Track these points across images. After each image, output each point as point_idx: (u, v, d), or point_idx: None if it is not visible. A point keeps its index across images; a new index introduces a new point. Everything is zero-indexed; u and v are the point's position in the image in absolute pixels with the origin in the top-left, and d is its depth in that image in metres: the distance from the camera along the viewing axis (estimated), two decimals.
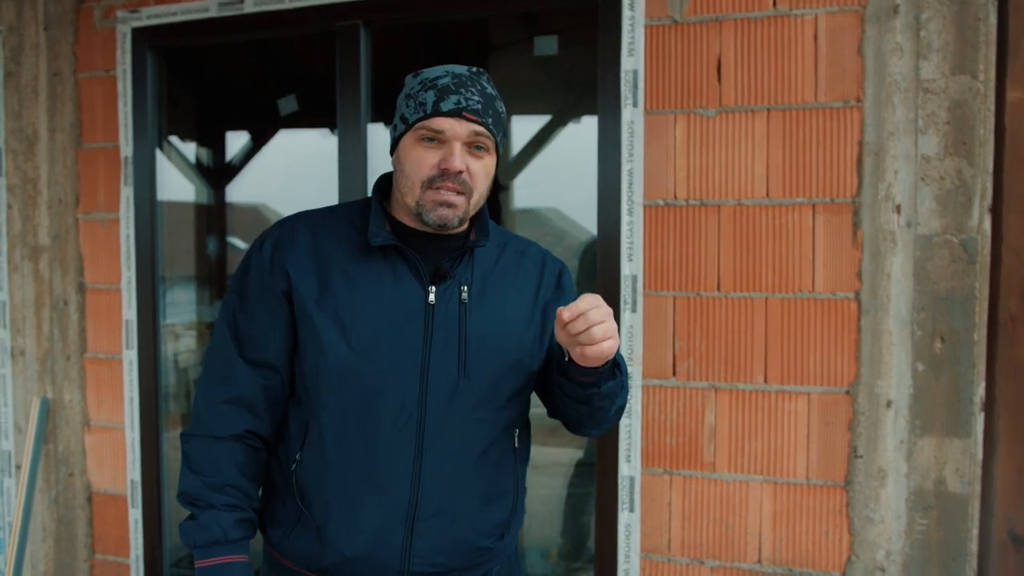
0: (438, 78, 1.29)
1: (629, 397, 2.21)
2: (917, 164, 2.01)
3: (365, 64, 2.51)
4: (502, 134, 1.35)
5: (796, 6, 2.10)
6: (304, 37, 2.75)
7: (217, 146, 5.23)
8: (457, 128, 1.26)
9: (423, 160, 1.28)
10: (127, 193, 2.76)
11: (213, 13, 2.63)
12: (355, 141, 2.51)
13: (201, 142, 5.13)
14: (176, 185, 4.61)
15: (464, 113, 1.26)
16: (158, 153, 2.83)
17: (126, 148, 2.75)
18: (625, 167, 2.23)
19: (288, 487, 1.36)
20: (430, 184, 1.27)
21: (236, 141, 5.27)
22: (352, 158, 2.53)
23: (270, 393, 1.36)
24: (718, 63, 2.16)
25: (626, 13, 2.21)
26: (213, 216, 5.18)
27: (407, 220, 1.35)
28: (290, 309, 1.34)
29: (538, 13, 2.98)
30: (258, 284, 1.35)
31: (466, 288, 1.34)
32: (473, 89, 1.28)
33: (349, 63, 2.50)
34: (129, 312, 2.79)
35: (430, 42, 3.88)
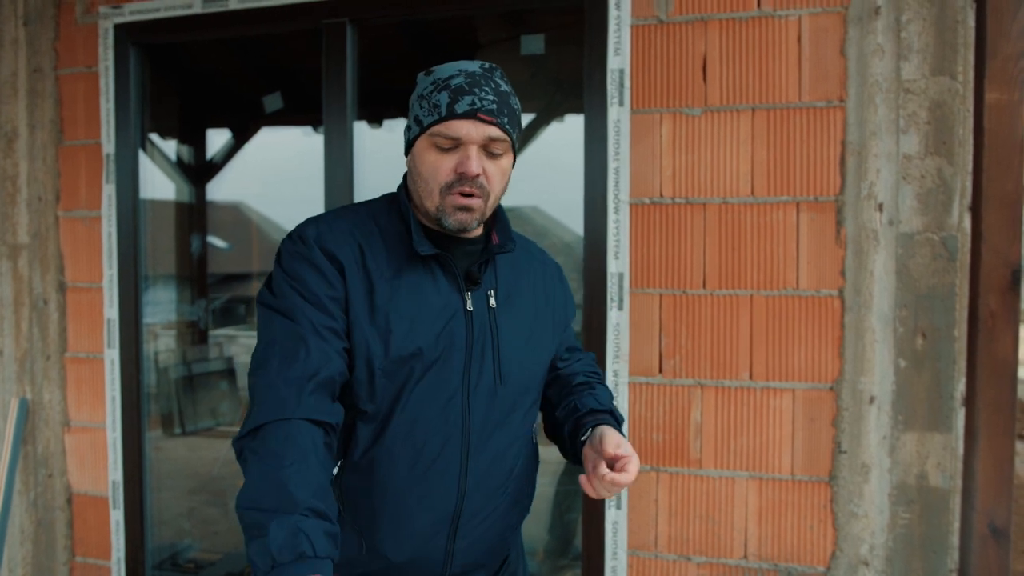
0: (451, 78, 1.25)
1: (616, 395, 2.23)
2: (899, 163, 2.04)
3: (351, 62, 2.50)
4: (518, 131, 1.32)
5: (780, 7, 2.12)
6: (289, 34, 2.73)
7: (198, 144, 5.19)
8: (472, 131, 1.24)
9: (440, 165, 1.26)
10: (109, 190, 2.73)
11: (197, 9, 2.61)
12: (341, 139, 2.51)
13: (182, 139, 5.09)
14: (156, 183, 4.57)
15: (479, 115, 1.23)
16: (139, 150, 2.80)
17: (108, 145, 2.73)
18: (611, 165, 2.24)
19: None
20: (448, 189, 1.26)
21: (218, 139, 5.23)
22: (338, 156, 2.52)
23: (342, 373, 1.24)
24: (703, 63, 2.18)
25: (612, 12, 2.22)
26: (193, 214, 5.14)
27: (428, 223, 1.34)
28: (346, 300, 1.26)
29: (525, 12, 2.99)
30: (309, 267, 1.26)
31: (493, 293, 1.34)
32: (487, 88, 1.25)
33: (335, 61, 2.49)
34: (111, 311, 2.76)
35: (416, 40, 3.87)
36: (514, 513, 1.41)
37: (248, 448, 1.16)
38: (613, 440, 1.27)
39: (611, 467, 1.25)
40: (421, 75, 1.32)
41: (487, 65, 1.30)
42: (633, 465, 1.23)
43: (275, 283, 1.28)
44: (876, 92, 2.06)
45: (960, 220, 2.01)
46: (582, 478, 1.25)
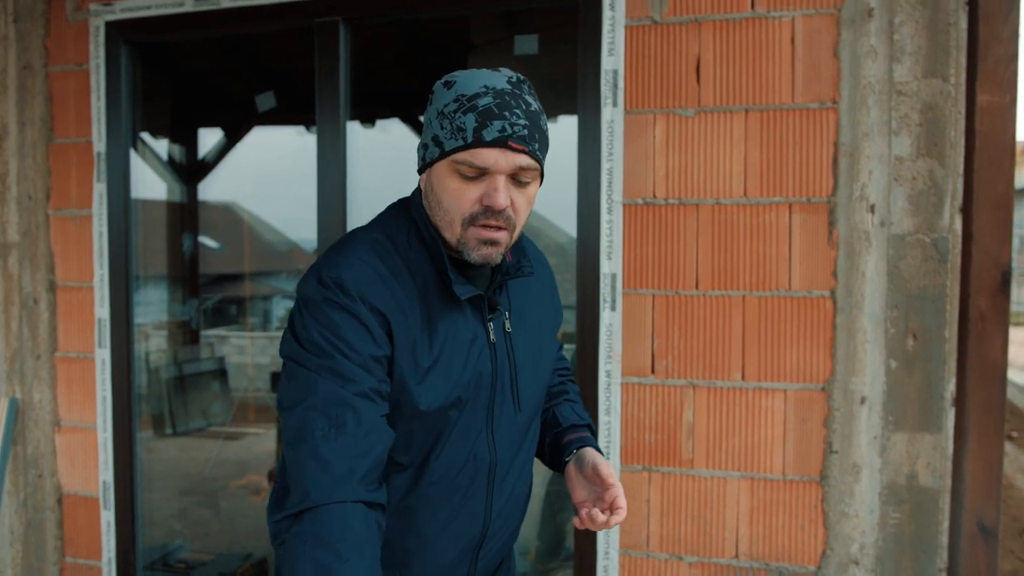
0: (477, 96, 1.11)
1: (608, 395, 2.24)
2: (890, 165, 2.05)
3: (344, 61, 2.49)
4: (546, 152, 1.19)
5: (774, 8, 2.13)
6: (282, 33, 2.73)
7: (190, 143, 5.18)
8: (502, 161, 1.10)
9: (463, 195, 1.13)
10: (100, 189, 2.72)
11: (189, 8, 2.60)
12: (334, 139, 2.50)
13: (174, 138, 5.08)
14: (148, 182, 4.55)
15: (510, 143, 1.10)
16: (130, 149, 2.79)
17: (99, 144, 2.71)
18: (605, 166, 2.24)
19: None
20: (472, 221, 1.13)
21: (210, 138, 5.21)
22: (331, 156, 2.51)
23: (392, 445, 1.15)
24: (697, 64, 2.19)
25: (606, 13, 2.23)
26: (185, 214, 5.12)
27: (447, 250, 1.21)
28: (391, 358, 1.15)
29: (519, 12, 2.99)
30: (352, 321, 1.12)
31: (507, 316, 1.27)
32: (518, 111, 1.11)
33: (328, 60, 2.49)
34: (102, 310, 2.75)
35: (410, 40, 3.87)
36: (520, 522, 1.42)
37: (294, 533, 1.04)
38: (607, 469, 1.27)
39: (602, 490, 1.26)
40: (440, 86, 1.17)
41: (514, 78, 1.16)
42: (622, 499, 1.23)
43: (309, 335, 1.13)
44: (869, 94, 2.07)
45: (951, 222, 2.02)
46: (576, 520, 1.26)
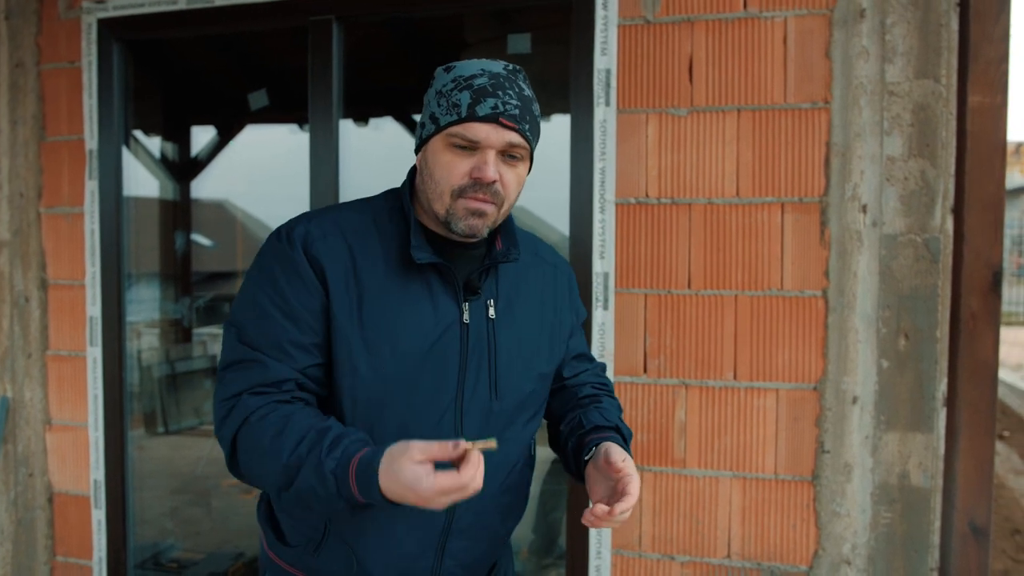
0: (474, 77, 1.18)
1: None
2: (882, 165, 2.06)
3: (337, 60, 2.49)
4: (537, 138, 1.26)
5: (766, 8, 2.13)
6: (275, 31, 2.72)
7: (183, 141, 5.16)
8: (493, 136, 1.17)
9: (454, 167, 1.19)
10: (92, 187, 2.71)
11: (182, 5, 2.59)
12: (327, 138, 2.49)
13: (167, 136, 5.06)
14: (140, 180, 4.54)
15: (501, 119, 1.17)
16: (123, 147, 2.78)
17: (91, 141, 2.70)
18: (597, 165, 2.24)
19: None
20: (461, 193, 1.19)
21: (202, 136, 5.20)
22: (324, 155, 2.50)
23: (314, 382, 1.22)
24: (690, 63, 2.19)
25: (599, 12, 2.23)
26: (178, 212, 5.11)
27: (432, 225, 1.27)
28: (327, 312, 1.21)
29: (512, 10, 2.99)
30: (289, 272, 1.20)
31: (492, 302, 1.28)
32: (511, 92, 1.19)
33: (321, 59, 2.48)
34: (93, 309, 2.74)
35: (403, 38, 3.87)
36: (505, 526, 1.38)
37: (240, 471, 1.18)
38: (619, 455, 1.22)
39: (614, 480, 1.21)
40: (440, 70, 1.24)
41: (511, 67, 1.23)
42: (634, 486, 1.17)
43: (249, 283, 1.24)
44: (861, 94, 2.07)
45: (943, 222, 2.03)
46: (584, 518, 1.18)
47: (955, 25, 2.02)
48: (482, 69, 1.20)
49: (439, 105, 1.20)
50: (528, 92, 1.23)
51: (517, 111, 1.18)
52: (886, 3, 2.04)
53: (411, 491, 1.02)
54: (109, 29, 2.67)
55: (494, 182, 1.19)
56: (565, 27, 2.30)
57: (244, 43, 4.20)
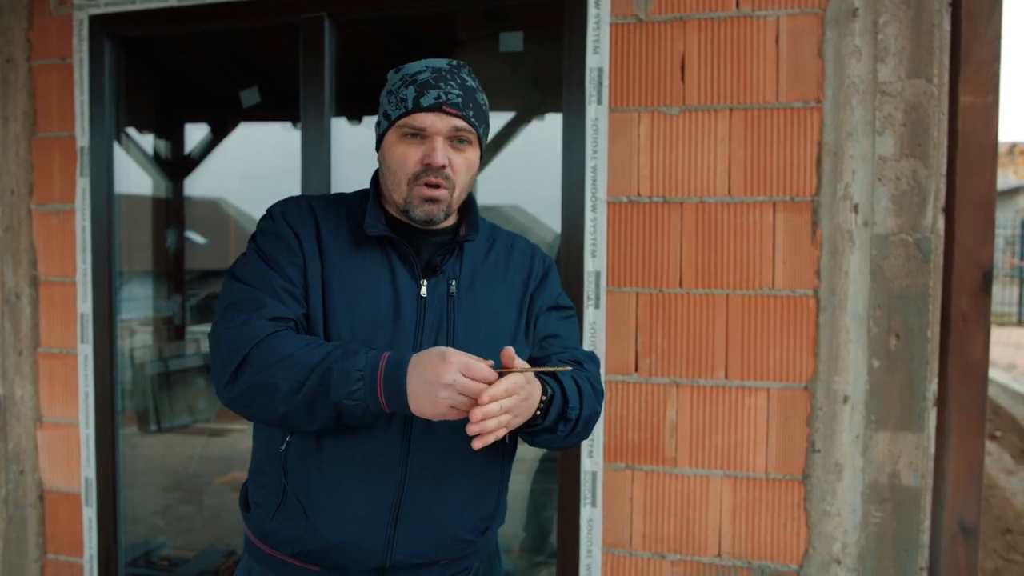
0: (418, 73, 1.31)
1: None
2: (874, 164, 2.06)
3: (329, 58, 2.48)
4: (485, 126, 1.37)
5: (758, 7, 2.13)
6: (268, 28, 2.71)
7: (176, 138, 5.14)
8: (438, 123, 1.29)
9: (407, 156, 1.31)
10: (83, 184, 2.70)
11: (174, 2, 2.58)
12: (319, 136, 2.49)
13: (159, 134, 5.04)
14: (132, 177, 4.52)
15: (444, 107, 1.28)
16: (114, 144, 2.77)
17: (82, 138, 2.69)
18: (589, 164, 2.24)
19: (276, 468, 1.35)
20: (415, 180, 1.30)
21: (195, 133, 5.18)
22: (315, 153, 2.50)
23: (298, 322, 1.32)
24: (682, 62, 2.19)
25: (591, 11, 2.22)
26: (170, 209, 5.09)
27: (397, 215, 1.38)
28: (304, 273, 1.33)
29: (504, 9, 2.98)
30: (275, 238, 1.34)
31: (454, 282, 1.37)
32: (453, 83, 1.31)
33: (313, 56, 2.47)
34: (84, 306, 2.73)
35: (395, 36, 3.86)
36: (471, 512, 1.37)
37: (242, 382, 1.23)
38: (522, 363, 1.22)
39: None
40: (391, 73, 1.37)
41: (454, 62, 1.35)
42: (513, 376, 1.17)
43: (246, 251, 1.38)
44: (853, 94, 2.07)
45: (934, 222, 2.03)
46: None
47: (947, 25, 2.02)
48: (426, 66, 1.32)
49: (389, 103, 1.33)
50: (472, 83, 1.34)
51: (460, 100, 1.30)
52: (878, 2, 2.04)
53: (432, 370, 1.13)
54: (101, 25, 2.66)
55: (444, 166, 1.29)
56: (557, 25, 2.30)
57: (236, 40, 4.18)
